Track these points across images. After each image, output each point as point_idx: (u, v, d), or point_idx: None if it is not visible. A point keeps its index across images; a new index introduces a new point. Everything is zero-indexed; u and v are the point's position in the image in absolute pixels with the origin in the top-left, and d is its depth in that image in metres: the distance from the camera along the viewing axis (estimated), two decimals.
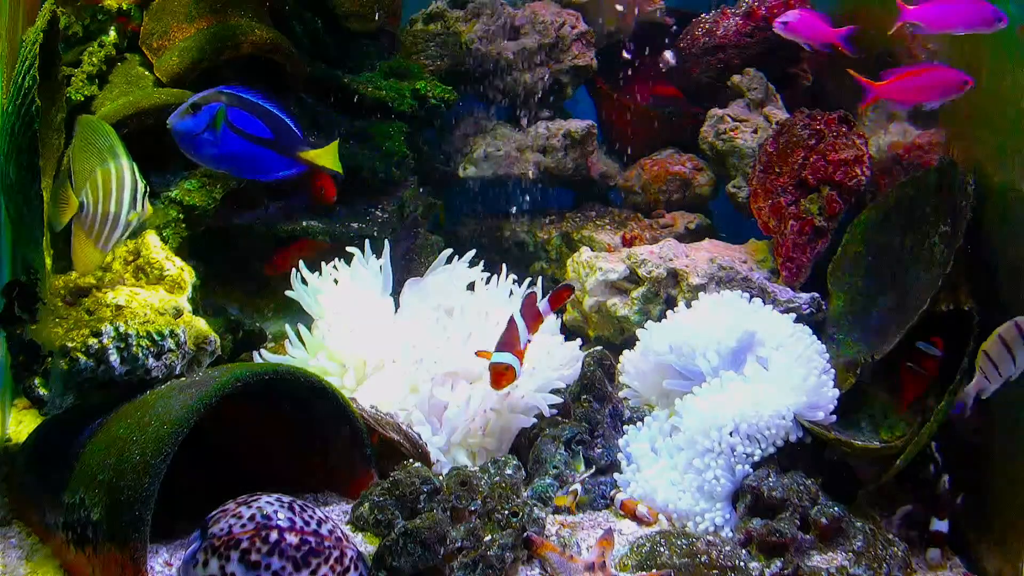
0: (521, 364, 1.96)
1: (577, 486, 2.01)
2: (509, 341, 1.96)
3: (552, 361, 2.25)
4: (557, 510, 1.98)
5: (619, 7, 3.09)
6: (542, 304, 2.02)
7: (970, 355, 1.94)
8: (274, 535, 1.46)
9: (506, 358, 1.92)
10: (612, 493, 2.08)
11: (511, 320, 1.99)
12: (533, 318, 2.01)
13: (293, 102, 2.57)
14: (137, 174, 1.84)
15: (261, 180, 2.19)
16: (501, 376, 1.93)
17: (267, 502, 1.52)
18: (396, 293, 2.43)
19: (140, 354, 1.83)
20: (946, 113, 2.38)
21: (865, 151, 2.49)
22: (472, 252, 2.52)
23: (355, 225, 2.62)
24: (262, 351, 2.30)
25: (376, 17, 2.72)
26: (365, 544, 1.75)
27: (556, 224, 3.06)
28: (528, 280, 2.45)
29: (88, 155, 1.83)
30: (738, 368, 2.14)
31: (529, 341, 2.00)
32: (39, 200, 1.83)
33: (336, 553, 1.51)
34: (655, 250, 2.62)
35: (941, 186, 2.22)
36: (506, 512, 1.75)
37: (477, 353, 2.04)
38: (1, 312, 1.83)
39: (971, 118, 2.23)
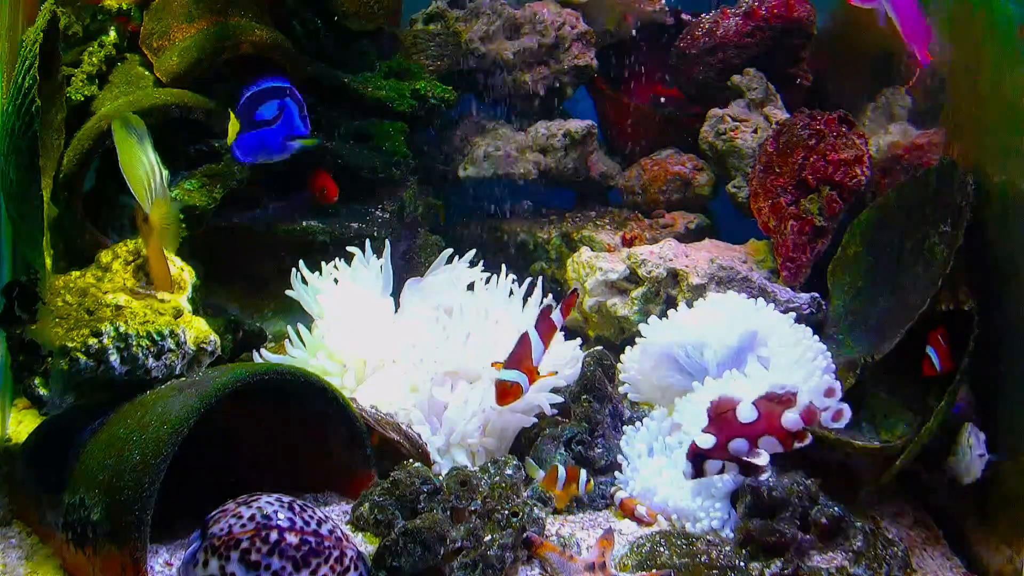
0: (531, 381, 1.94)
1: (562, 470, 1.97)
2: (519, 357, 1.93)
3: (552, 361, 2.25)
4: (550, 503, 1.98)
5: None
6: (555, 315, 2.00)
7: (970, 355, 1.94)
8: (274, 535, 1.46)
9: (513, 375, 1.90)
10: (612, 491, 2.08)
11: (524, 336, 1.95)
12: (547, 330, 1.99)
13: None
14: (157, 161, 1.89)
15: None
16: (507, 393, 1.91)
17: (267, 502, 1.52)
18: (396, 293, 2.43)
19: (140, 354, 1.83)
20: (946, 113, 2.39)
21: (865, 151, 2.49)
22: (472, 252, 2.52)
23: (355, 225, 2.62)
24: (262, 351, 2.30)
25: (376, 17, 2.72)
26: (365, 544, 1.75)
27: (556, 224, 3.05)
28: (528, 280, 2.45)
29: (134, 158, 1.87)
30: (740, 367, 2.15)
31: (545, 352, 1.98)
32: (39, 200, 1.83)
33: (336, 553, 1.51)
34: (655, 250, 2.62)
35: (941, 186, 2.22)
36: (506, 512, 1.75)
37: (493, 364, 2.02)
38: (1, 312, 1.83)
39: (971, 118, 2.23)
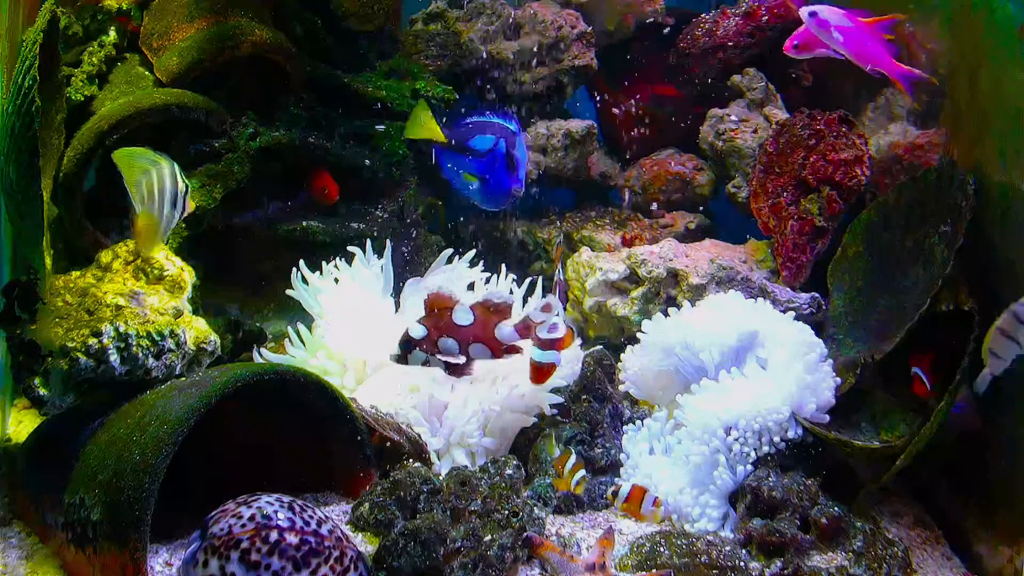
0: (560, 348, 1.91)
1: (573, 458, 2.00)
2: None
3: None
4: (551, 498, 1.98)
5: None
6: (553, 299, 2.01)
7: (970, 355, 1.93)
8: (274, 535, 1.46)
9: (551, 357, 1.87)
10: (616, 483, 2.05)
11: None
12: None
13: (293, 102, 2.57)
14: (179, 175, 1.91)
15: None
16: (543, 374, 1.88)
17: (267, 502, 1.52)
18: (396, 293, 2.43)
19: (140, 354, 1.83)
20: (946, 113, 2.38)
21: (865, 151, 2.49)
22: (472, 252, 2.52)
23: (355, 225, 2.62)
24: (262, 351, 2.30)
25: (376, 17, 2.72)
26: (365, 544, 1.75)
27: (556, 224, 3.06)
28: (528, 280, 2.45)
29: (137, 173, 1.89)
30: (739, 366, 2.15)
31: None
32: (39, 200, 1.83)
33: (336, 553, 1.51)
34: (655, 250, 2.62)
35: (941, 186, 2.22)
36: (506, 512, 1.75)
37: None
38: (1, 312, 1.83)
39: (971, 118, 2.23)
